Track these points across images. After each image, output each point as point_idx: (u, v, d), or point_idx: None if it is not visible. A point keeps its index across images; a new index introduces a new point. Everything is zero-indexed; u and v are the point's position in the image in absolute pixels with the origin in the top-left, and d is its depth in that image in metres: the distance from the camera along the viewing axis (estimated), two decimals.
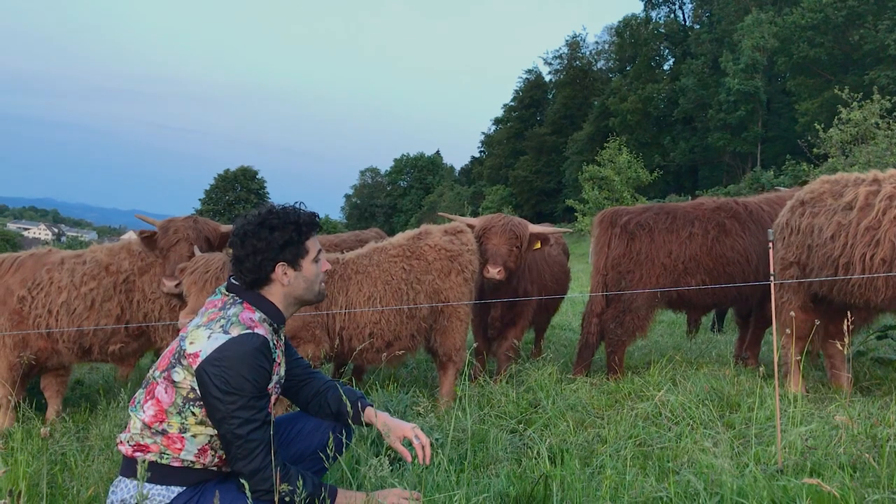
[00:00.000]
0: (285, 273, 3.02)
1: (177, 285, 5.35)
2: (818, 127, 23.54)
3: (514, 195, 75.96)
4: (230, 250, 3.08)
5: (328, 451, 3.14)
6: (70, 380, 6.43)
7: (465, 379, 5.13)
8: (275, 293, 3.04)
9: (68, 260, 5.94)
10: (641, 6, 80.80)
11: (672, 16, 78.10)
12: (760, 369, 4.93)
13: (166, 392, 2.79)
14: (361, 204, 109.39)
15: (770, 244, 4.04)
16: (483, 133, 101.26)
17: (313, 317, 5.30)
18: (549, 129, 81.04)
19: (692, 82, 63.68)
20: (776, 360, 3.91)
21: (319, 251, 3.15)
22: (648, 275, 6.34)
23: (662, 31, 76.79)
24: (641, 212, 6.59)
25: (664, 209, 6.63)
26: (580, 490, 3.37)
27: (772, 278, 4.04)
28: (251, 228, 2.99)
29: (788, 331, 5.34)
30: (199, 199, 78.24)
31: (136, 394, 2.95)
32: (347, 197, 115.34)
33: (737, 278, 6.30)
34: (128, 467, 2.84)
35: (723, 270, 6.34)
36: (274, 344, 2.95)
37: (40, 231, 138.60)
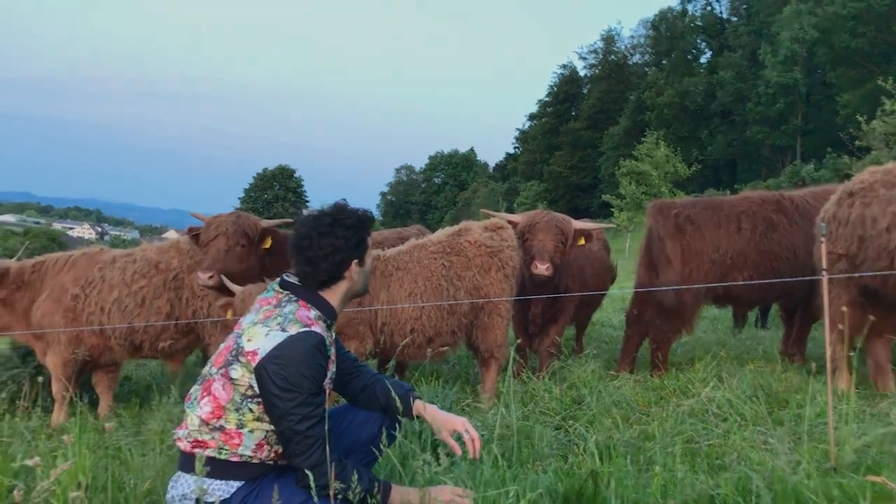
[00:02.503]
0: (355, 270, 3.07)
1: (210, 277, 5.43)
2: (860, 119, 23.14)
3: (548, 191, 75.68)
4: (295, 254, 3.03)
5: (379, 444, 3.18)
6: (119, 376, 6.56)
7: (508, 376, 5.13)
8: (338, 290, 3.07)
9: (120, 258, 6.07)
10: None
11: (709, 8, 77.24)
12: (812, 366, 4.86)
13: (223, 389, 2.83)
14: (396, 201, 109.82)
15: (822, 238, 3.98)
16: (517, 129, 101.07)
17: (357, 313, 5.34)
18: (585, 124, 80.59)
19: (730, 75, 62.93)
20: (828, 355, 3.85)
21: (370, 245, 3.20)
22: (696, 270, 6.28)
23: (699, 24, 76.04)
24: (690, 205, 6.52)
25: (712, 203, 6.56)
26: (631, 487, 3.36)
27: (822, 273, 3.98)
28: (325, 229, 2.99)
29: (841, 327, 5.21)
30: (239, 198, 79.27)
31: (192, 390, 2.99)
32: (383, 194, 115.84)
33: (783, 273, 6.21)
34: (186, 463, 2.87)
35: (770, 266, 6.26)
36: (329, 342, 2.99)
37: (84, 230, 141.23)
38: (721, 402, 4.85)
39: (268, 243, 5.87)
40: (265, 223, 5.91)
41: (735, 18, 72.69)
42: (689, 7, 77.24)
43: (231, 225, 5.66)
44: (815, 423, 4.36)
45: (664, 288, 6.31)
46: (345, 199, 3.21)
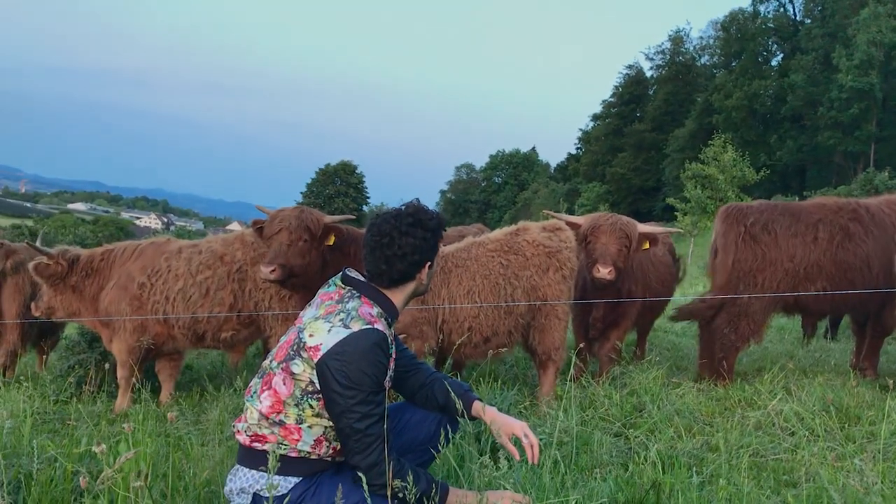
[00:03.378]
0: (426, 272, 3.07)
1: (272, 271, 5.47)
2: None
3: (610, 192, 74.87)
4: (372, 251, 3.01)
5: (437, 444, 3.14)
6: (182, 364, 6.68)
7: (568, 380, 5.05)
8: (406, 290, 3.07)
9: (185, 249, 6.18)
10: (749, 0, 78.55)
11: (781, 10, 75.43)
12: (890, 382, 4.65)
13: (284, 384, 2.82)
14: (456, 200, 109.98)
15: None
16: (580, 129, 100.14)
17: (420, 311, 5.32)
18: (650, 126, 79.50)
19: (802, 79, 61.37)
20: None
21: None
22: (770, 279, 6.11)
23: (771, 25, 74.32)
24: (766, 210, 6.33)
25: (788, 209, 6.36)
26: (694, 500, 3.26)
27: None
28: (406, 228, 2.97)
29: None
30: (301, 192, 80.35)
31: (252, 383, 2.99)
32: (442, 192, 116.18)
33: (857, 284, 6.01)
34: (245, 456, 2.89)
35: (844, 276, 6.07)
36: (391, 340, 2.97)
37: (151, 220, 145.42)
38: (789, 416, 4.70)
39: (331, 240, 5.89)
40: (328, 218, 5.94)
41: (809, 20, 70.85)
42: (761, 8, 75.52)
43: (294, 219, 5.69)
44: (889, 441, 4.18)
45: (731, 296, 6.14)
46: (418, 199, 3.20)
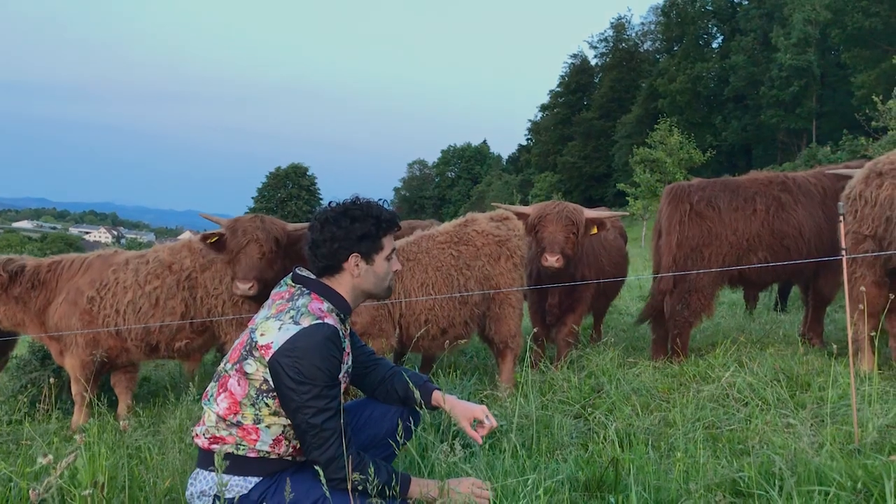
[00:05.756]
0: (357, 265, 3.03)
1: (250, 287, 5.40)
2: (876, 99, 22.91)
3: (563, 181, 75.50)
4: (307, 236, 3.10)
5: (397, 436, 3.16)
6: (138, 377, 6.57)
7: (525, 366, 5.09)
8: (343, 283, 3.05)
9: (133, 260, 6.07)
10: None
11: None
12: (834, 347, 4.79)
13: (239, 384, 2.83)
14: (410, 196, 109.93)
15: (841, 217, 3.91)
16: (530, 120, 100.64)
17: (378, 310, 5.29)
18: (597, 114, 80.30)
19: (742, 59, 62.58)
20: (850, 335, 3.79)
21: (393, 250, 3.17)
22: (716, 253, 6.26)
23: (710, 8, 75.53)
24: (708, 187, 6.50)
25: (727, 185, 6.52)
26: (652, 473, 3.32)
27: (843, 252, 3.91)
28: (332, 216, 3.01)
29: (861, 307, 5.12)
30: (252, 198, 79.48)
31: (208, 387, 3.00)
32: (396, 190, 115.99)
33: (792, 251, 6.24)
34: (205, 460, 2.88)
35: (780, 245, 6.28)
36: (343, 334, 2.97)
37: (101, 234, 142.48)
38: (742, 387, 4.80)
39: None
40: (290, 227, 5.79)
41: (746, 2, 72.17)
42: None
43: (261, 230, 5.54)
44: (837, 405, 4.31)
45: (681, 272, 6.26)
46: (384, 200, 3.22)
